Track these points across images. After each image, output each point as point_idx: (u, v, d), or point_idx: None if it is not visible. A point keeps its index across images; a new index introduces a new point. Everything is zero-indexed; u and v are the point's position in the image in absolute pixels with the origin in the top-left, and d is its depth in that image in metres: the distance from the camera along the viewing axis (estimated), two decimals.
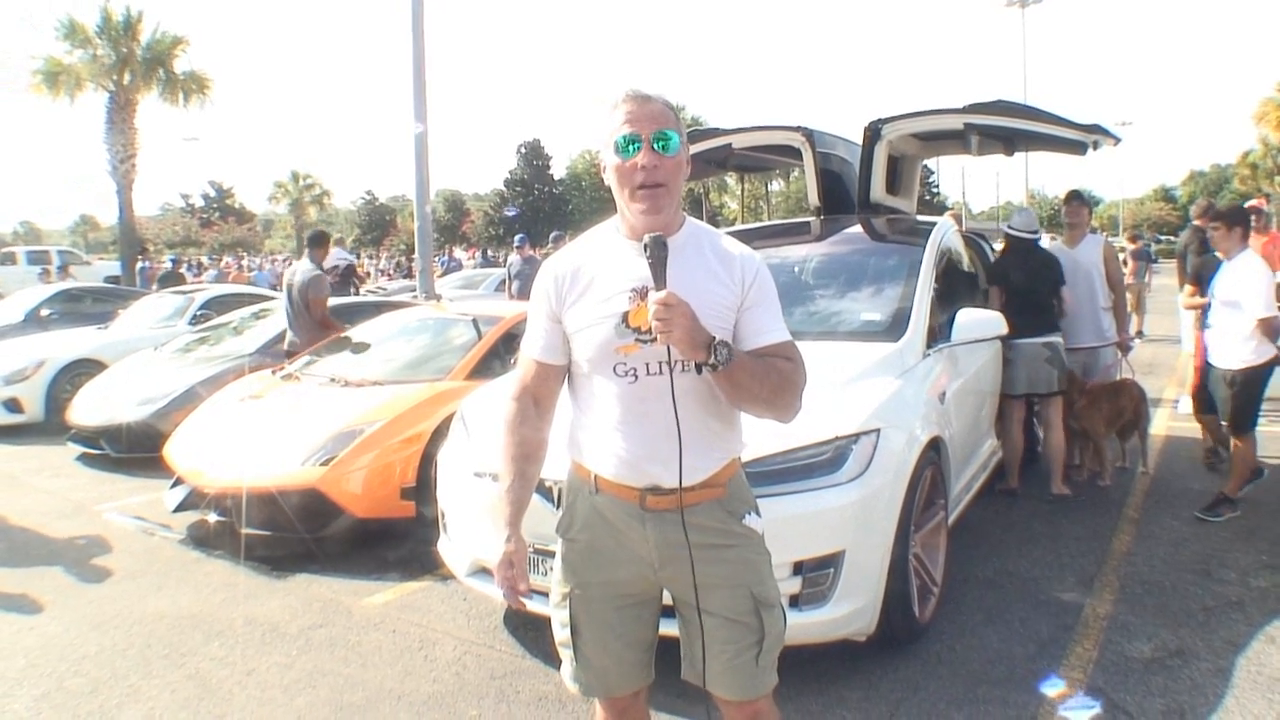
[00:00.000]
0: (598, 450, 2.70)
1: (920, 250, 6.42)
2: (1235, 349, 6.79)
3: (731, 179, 69.83)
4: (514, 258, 15.82)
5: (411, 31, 13.69)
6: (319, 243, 10.60)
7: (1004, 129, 7.48)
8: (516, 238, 16.54)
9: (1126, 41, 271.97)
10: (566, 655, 2.85)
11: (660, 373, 2.58)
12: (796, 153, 8.02)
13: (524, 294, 14.47)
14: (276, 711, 4.48)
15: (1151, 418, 6.37)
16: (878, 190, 7.79)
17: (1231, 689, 4.39)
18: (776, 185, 78.58)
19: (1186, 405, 10.74)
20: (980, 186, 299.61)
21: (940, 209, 74.02)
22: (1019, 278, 7.49)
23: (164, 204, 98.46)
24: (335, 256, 18.06)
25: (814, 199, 8.12)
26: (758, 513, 2.79)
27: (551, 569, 4.37)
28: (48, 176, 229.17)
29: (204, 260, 53.13)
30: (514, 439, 2.77)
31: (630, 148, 2.54)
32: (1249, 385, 6.79)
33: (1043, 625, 5.17)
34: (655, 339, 2.46)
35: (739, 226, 7.34)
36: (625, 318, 2.57)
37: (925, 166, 76.96)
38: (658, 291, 2.41)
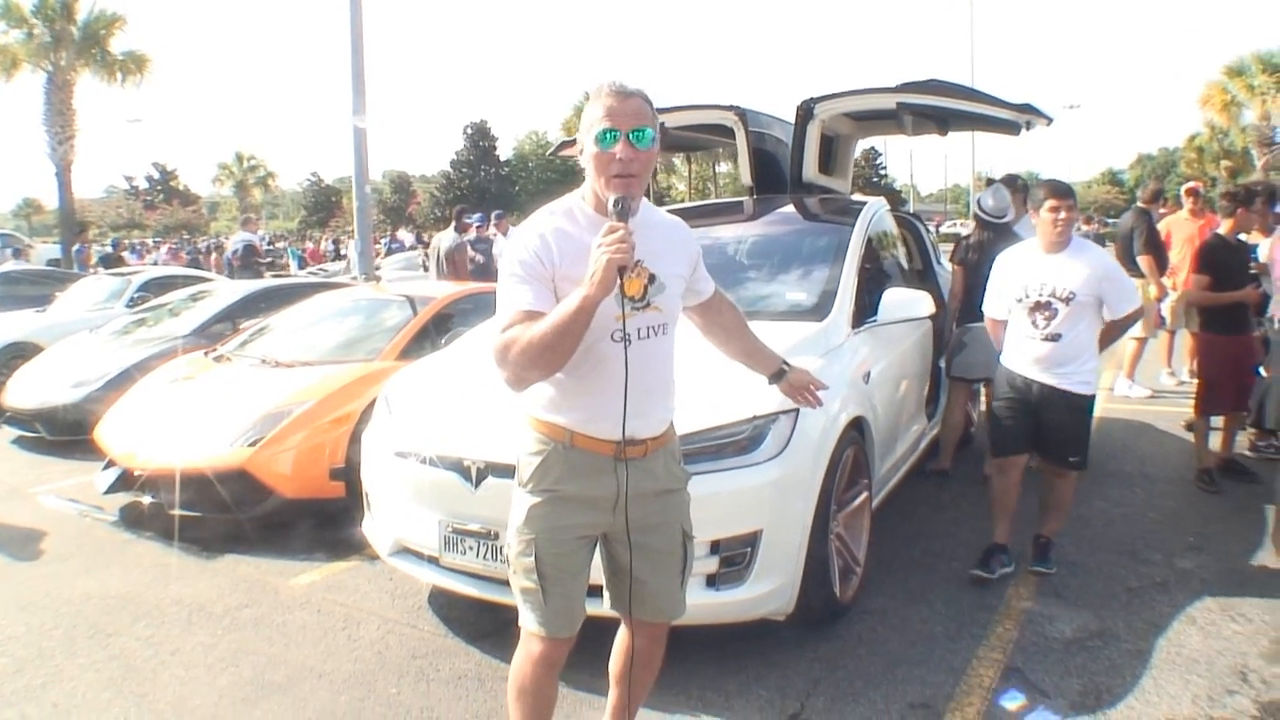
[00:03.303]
0: (580, 409, 2.95)
1: (849, 230, 6.39)
2: (1083, 366, 5.50)
3: (678, 160, 69.79)
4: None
5: (350, 29, 13.62)
6: (461, 216, 14.16)
7: (937, 109, 7.45)
8: (485, 216, 16.34)
9: (1075, 24, 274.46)
10: (534, 600, 3.02)
11: (649, 336, 2.93)
12: (730, 132, 8.00)
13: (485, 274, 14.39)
14: (198, 690, 4.49)
15: None
16: (810, 170, 7.77)
17: (1150, 670, 4.44)
18: (724, 167, 78.68)
19: (1123, 387, 10.89)
20: (929, 168, 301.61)
21: (889, 191, 74.41)
22: (984, 260, 7.11)
23: (108, 186, 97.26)
24: (237, 240, 17.87)
25: (746, 178, 8.10)
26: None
27: (471, 548, 4.43)
28: None
29: (149, 242, 52.44)
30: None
31: (610, 140, 2.76)
32: (1090, 407, 5.68)
33: (965, 606, 5.20)
34: (647, 304, 2.89)
35: (674, 207, 7.33)
36: (621, 288, 2.78)
37: (873, 148, 77.45)
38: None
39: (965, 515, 6.72)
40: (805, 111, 7.58)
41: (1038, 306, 5.46)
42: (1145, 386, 10.94)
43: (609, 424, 2.89)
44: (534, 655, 3.07)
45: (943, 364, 7.65)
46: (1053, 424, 5.54)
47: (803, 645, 4.69)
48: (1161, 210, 11.72)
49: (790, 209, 7.48)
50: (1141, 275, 10.38)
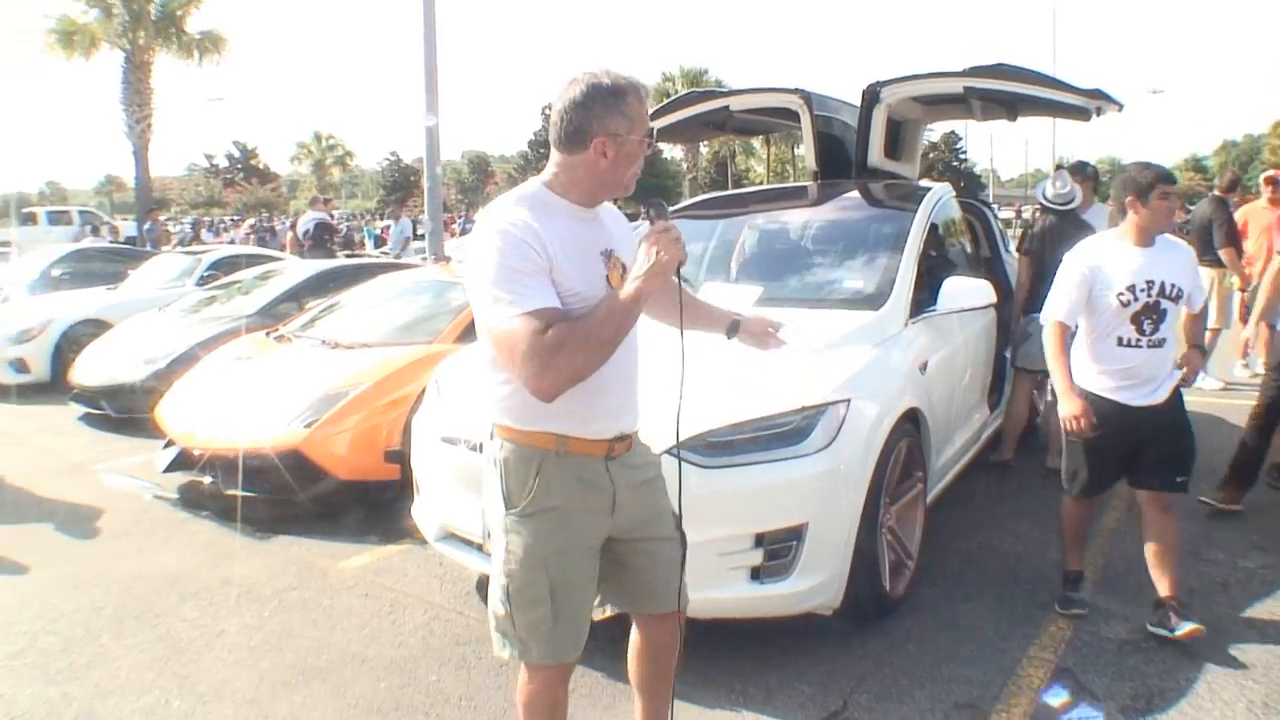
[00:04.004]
0: (573, 413, 2.76)
1: (910, 217, 6.22)
2: (1171, 371, 4.87)
3: (757, 143, 69.42)
4: None
5: (424, 32, 13.64)
6: None
7: (1005, 93, 7.30)
8: None
9: (1159, 6, 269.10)
10: (542, 631, 2.85)
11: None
12: (796, 116, 7.90)
13: None
14: (240, 672, 4.50)
15: None
16: (875, 155, 7.63)
17: (1204, 674, 4.29)
18: (803, 150, 78.20)
19: (1195, 378, 10.56)
20: (1010, 153, 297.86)
21: (968, 175, 73.32)
22: (1049, 248, 6.91)
23: (190, 164, 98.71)
24: (308, 219, 17.88)
25: (811, 163, 7.99)
26: None
27: None
28: (72, 137, 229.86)
29: (227, 220, 53.28)
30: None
31: (648, 141, 2.78)
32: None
33: (1019, 603, 5.07)
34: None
35: (733, 190, 7.24)
36: (608, 281, 2.76)
37: (953, 132, 76.63)
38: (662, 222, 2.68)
39: (1025, 509, 6.57)
40: (871, 96, 7.45)
41: (1147, 309, 4.66)
42: (1218, 378, 10.66)
43: (604, 422, 2.84)
44: (543, 680, 2.96)
45: (1007, 354, 7.49)
46: (1158, 440, 4.78)
47: (849, 640, 4.60)
48: (1236, 199, 11.43)
49: (853, 194, 7.32)
50: (1222, 266, 10.18)
